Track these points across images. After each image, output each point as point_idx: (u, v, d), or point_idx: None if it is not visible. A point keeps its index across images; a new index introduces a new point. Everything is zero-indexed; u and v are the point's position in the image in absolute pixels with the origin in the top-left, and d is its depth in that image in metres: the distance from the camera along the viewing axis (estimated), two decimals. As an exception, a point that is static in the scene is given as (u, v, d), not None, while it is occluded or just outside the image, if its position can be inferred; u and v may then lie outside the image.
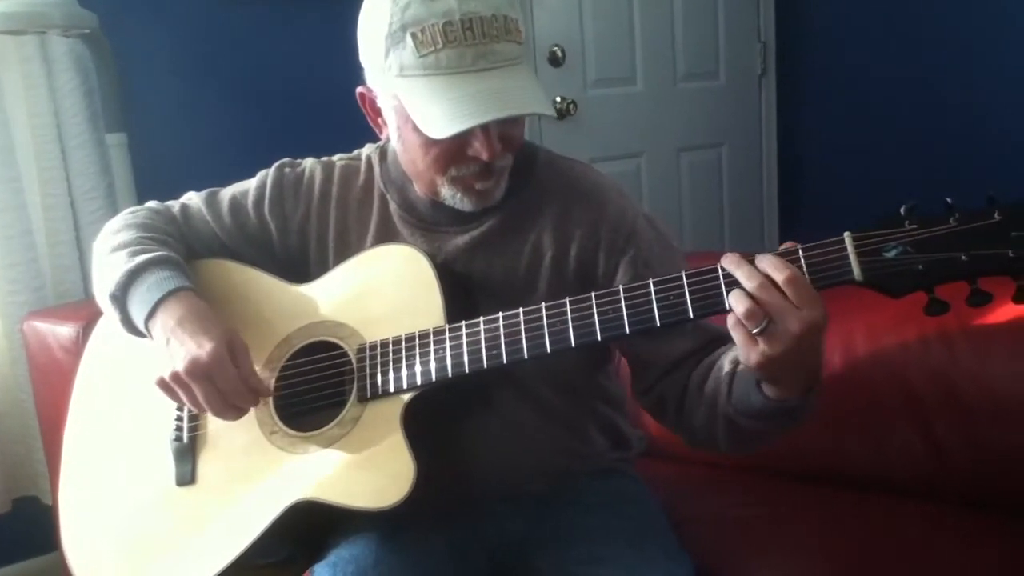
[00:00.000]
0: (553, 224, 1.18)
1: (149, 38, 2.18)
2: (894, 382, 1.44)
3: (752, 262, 0.92)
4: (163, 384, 1.11)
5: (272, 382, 1.19)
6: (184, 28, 2.26)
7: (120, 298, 1.17)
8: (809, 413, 1.02)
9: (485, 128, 1.05)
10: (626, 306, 0.98)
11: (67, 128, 2.02)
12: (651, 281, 0.98)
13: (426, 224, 1.21)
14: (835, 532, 1.35)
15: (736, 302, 0.91)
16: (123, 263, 1.18)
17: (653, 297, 0.97)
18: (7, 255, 1.97)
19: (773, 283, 0.90)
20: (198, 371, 1.08)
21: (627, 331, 0.98)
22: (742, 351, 0.92)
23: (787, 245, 0.94)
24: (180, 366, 1.09)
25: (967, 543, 1.31)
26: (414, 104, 1.05)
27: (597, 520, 1.20)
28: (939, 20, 2.90)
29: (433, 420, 1.13)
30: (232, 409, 1.12)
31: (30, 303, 1.97)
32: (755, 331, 0.90)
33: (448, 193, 1.14)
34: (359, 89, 1.15)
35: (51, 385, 1.74)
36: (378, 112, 1.15)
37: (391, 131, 1.15)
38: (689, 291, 0.96)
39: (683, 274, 0.97)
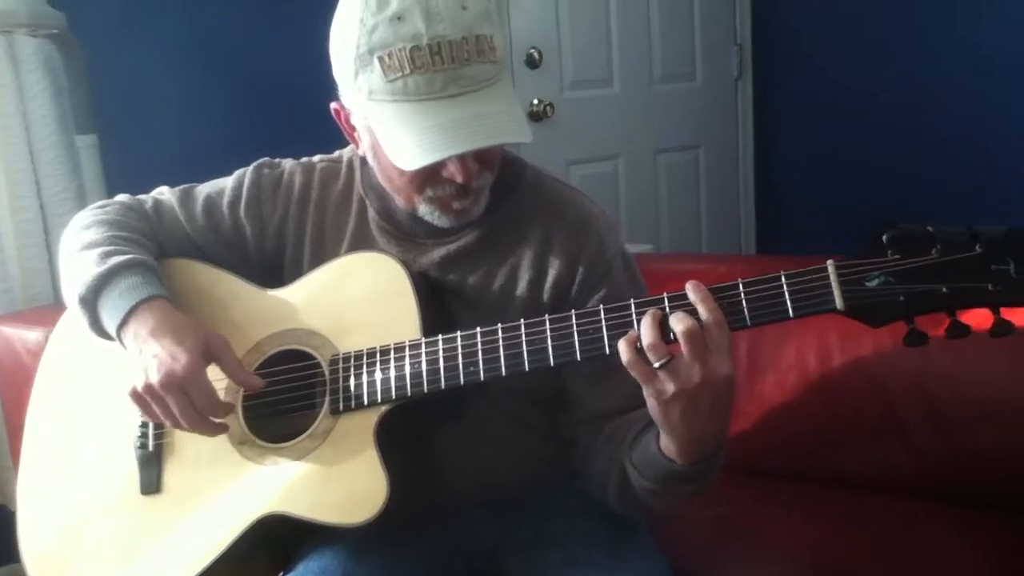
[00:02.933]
0: (533, 250, 1.17)
1: (119, 38, 2.15)
2: (869, 384, 1.46)
3: (714, 295, 0.93)
4: (136, 396, 1.08)
5: (241, 391, 1.17)
6: (154, 27, 2.23)
7: (90, 302, 1.14)
8: (697, 488, 1.02)
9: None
10: (578, 332, 1.00)
11: (36, 130, 1.98)
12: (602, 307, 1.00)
13: (404, 234, 1.19)
14: (814, 531, 1.36)
15: (645, 331, 0.92)
16: (94, 265, 1.14)
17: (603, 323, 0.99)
18: (-26, 259, 1.94)
19: (698, 323, 0.91)
20: (172, 384, 1.06)
21: (607, 352, 0.98)
22: (643, 385, 0.94)
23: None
24: (154, 378, 1.06)
25: (943, 539, 1.33)
26: (383, 131, 1.03)
27: (572, 523, 1.19)
28: (914, 24, 2.92)
29: (406, 427, 1.12)
30: (207, 424, 1.10)
31: (-2, 307, 1.94)
32: (656, 364, 0.91)
33: (426, 211, 1.12)
34: (333, 105, 1.13)
35: (19, 390, 1.70)
36: (353, 128, 1.13)
37: (366, 149, 1.13)
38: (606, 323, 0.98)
39: (602, 308, 0.99)
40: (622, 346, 0.93)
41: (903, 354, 1.40)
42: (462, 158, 1.03)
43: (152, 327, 1.10)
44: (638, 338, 0.93)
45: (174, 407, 1.07)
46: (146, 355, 1.08)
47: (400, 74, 0.99)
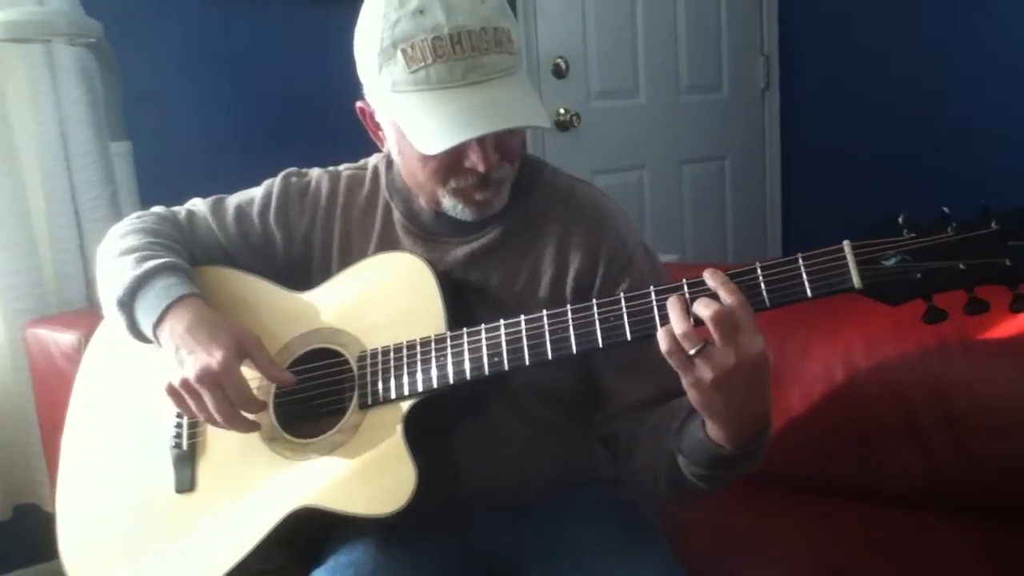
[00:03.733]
0: (554, 245, 1.18)
1: (153, 47, 2.19)
2: (889, 392, 1.45)
3: (733, 279, 0.93)
4: (172, 391, 1.11)
5: (272, 389, 1.19)
6: (188, 37, 2.27)
7: (128, 304, 1.17)
8: (749, 466, 1.02)
9: (480, 140, 1.05)
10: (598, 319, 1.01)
11: (72, 136, 2.02)
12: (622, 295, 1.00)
13: (428, 234, 1.21)
14: (829, 542, 1.35)
15: (676, 320, 0.92)
16: (131, 269, 1.18)
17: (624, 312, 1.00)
18: (11, 262, 1.97)
19: (724, 307, 0.91)
20: (208, 378, 1.09)
21: (629, 338, 0.99)
22: (682, 377, 0.94)
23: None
24: (190, 373, 1.09)
25: (959, 551, 1.31)
26: (407, 120, 1.06)
27: (590, 531, 1.19)
28: (942, 36, 2.91)
29: (431, 422, 1.13)
30: (240, 419, 1.12)
31: (33, 310, 1.98)
32: (691, 352, 0.91)
33: (449, 204, 1.14)
34: (358, 104, 1.16)
35: (53, 392, 1.73)
36: (378, 126, 1.16)
37: (390, 145, 1.15)
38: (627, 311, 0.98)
39: (622, 296, 1.00)
40: (662, 336, 0.93)
41: (924, 362, 1.42)
42: (483, 146, 1.06)
43: (188, 324, 1.13)
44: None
45: (209, 401, 1.09)
46: (182, 351, 1.11)
47: (422, 64, 1.02)
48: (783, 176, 3.35)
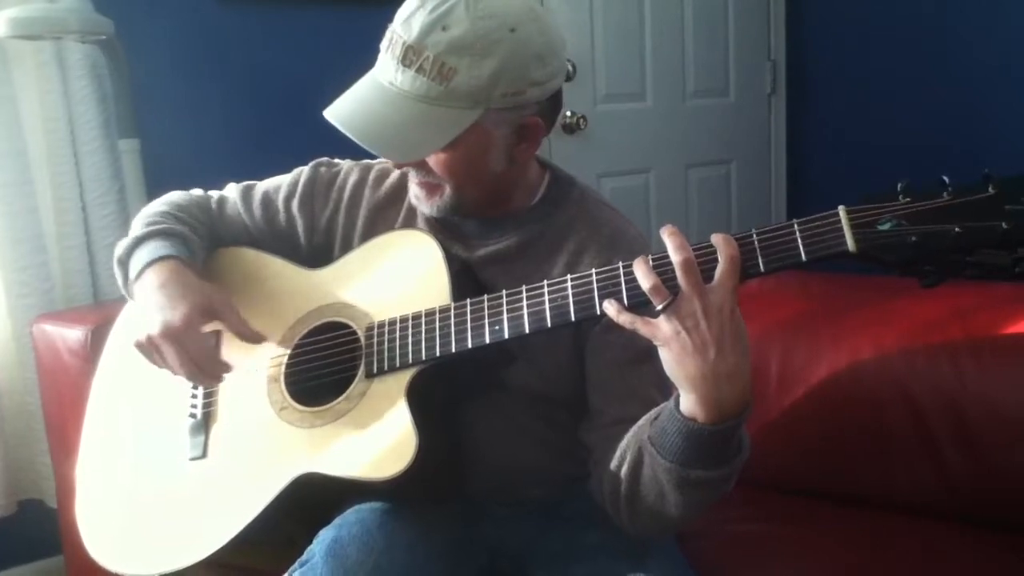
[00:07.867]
0: (565, 262, 1.19)
1: (162, 45, 2.21)
2: (900, 401, 1.44)
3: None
4: (139, 346, 1.16)
5: (285, 361, 1.22)
6: (198, 35, 2.30)
7: (124, 262, 1.25)
8: (722, 467, 0.99)
9: None
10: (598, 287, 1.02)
11: (80, 133, 2.04)
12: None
13: (448, 232, 1.23)
14: (840, 550, 1.34)
15: (643, 277, 0.94)
16: (135, 231, 1.26)
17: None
18: (18, 258, 1.99)
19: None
20: (168, 334, 1.13)
21: (626, 302, 0.99)
22: (655, 341, 0.95)
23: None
24: (154, 329, 1.14)
25: (970, 561, 1.30)
26: None
27: (600, 535, 1.18)
28: (950, 42, 2.91)
29: (436, 396, 1.14)
30: (203, 375, 1.16)
31: (39, 306, 1.99)
32: (659, 307, 0.93)
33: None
34: None
35: (58, 388, 1.75)
36: None
37: None
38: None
39: (621, 265, 1.01)
40: (609, 308, 0.97)
41: (937, 371, 1.42)
42: None
43: (162, 281, 1.18)
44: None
45: (169, 357, 1.14)
46: (150, 307, 1.16)
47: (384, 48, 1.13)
48: (789, 181, 3.34)
